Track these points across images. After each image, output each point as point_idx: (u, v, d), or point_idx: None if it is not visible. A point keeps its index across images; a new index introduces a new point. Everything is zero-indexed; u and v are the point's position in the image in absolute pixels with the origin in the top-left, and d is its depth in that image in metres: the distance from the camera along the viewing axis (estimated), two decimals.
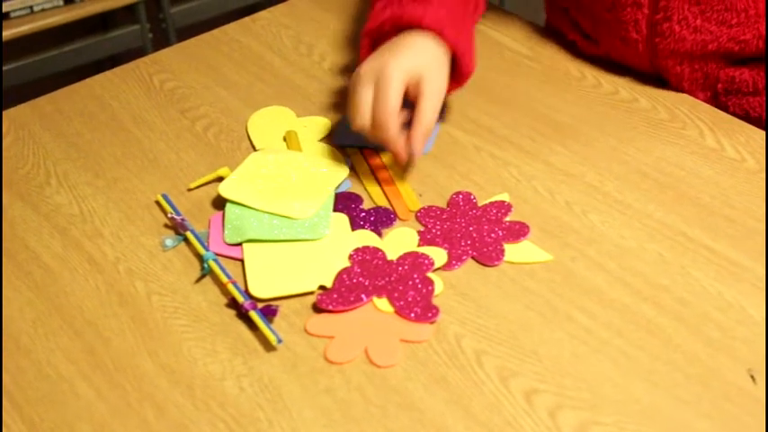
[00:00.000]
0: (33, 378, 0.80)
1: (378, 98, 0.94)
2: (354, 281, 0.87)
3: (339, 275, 0.88)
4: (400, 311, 0.84)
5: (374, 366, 0.80)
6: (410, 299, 0.85)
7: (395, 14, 0.99)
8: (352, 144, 1.05)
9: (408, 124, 0.96)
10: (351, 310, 0.85)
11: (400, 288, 0.86)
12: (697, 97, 1.12)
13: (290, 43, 1.25)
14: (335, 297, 0.85)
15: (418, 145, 0.95)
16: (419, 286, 0.86)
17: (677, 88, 1.12)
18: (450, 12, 1.00)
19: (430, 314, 0.84)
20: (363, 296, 0.85)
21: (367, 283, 0.87)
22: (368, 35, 1.03)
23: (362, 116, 0.95)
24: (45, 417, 0.77)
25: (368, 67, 0.95)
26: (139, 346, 0.83)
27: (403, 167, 1.00)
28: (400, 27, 1.00)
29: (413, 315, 0.84)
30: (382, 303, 0.85)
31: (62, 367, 0.81)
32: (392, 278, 0.87)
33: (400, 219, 0.95)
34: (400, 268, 0.88)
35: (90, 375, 0.80)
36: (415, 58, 0.96)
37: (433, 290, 0.86)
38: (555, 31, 1.23)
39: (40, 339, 0.84)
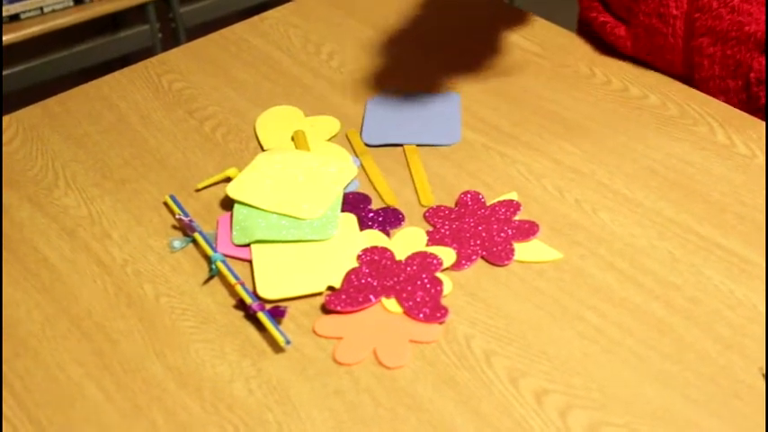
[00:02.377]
0: (41, 380, 0.80)
1: None
2: (363, 281, 0.87)
3: (347, 276, 0.87)
4: (409, 312, 0.84)
5: (383, 367, 0.80)
6: (419, 299, 0.85)
7: None
8: (381, 143, 1.05)
9: None
10: (359, 310, 0.85)
11: (409, 288, 0.86)
12: (728, 86, 1.10)
13: (299, 42, 1.25)
14: (344, 298, 0.85)
15: None
16: (428, 286, 0.86)
17: (707, 76, 1.11)
18: None
19: (439, 314, 0.83)
20: (372, 297, 0.85)
21: (375, 284, 0.86)
22: None
23: None
24: (53, 419, 0.77)
25: None
26: (147, 348, 0.83)
27: None
28: None
29: (421, 315, 0.83)
30: (391, 304, 0.85)
31: (70, 370, 0.81)
32: (401, 278, 0.87)
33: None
34: (409, 268, 0.88)
35: (98, 378, 0.80)
36: None
37: (441, 290, 0.86)
38: (585, 20, 1.22)
39: (48, 342, 0.84)
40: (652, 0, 1.09)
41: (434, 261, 0.88)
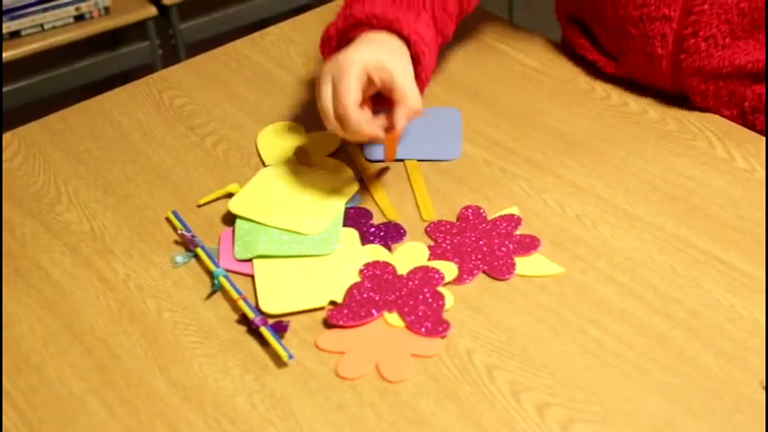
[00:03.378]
0: (44, 396, 0.81)
1: (336, 91, 0.90)
2: (365, 296, 0.87)
3: (349, 290, 0.88)
4: (411, 326, 0.84)
5: (385, 382, 0.80)
6: (421, 313, 0.85)
7: (369, 14, 0.96)
8: (382, 158, 1.05)
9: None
10: (361, 325, 0.85)
11: (411, 303, 0.86)
12: (722, 115, 1.11)
13: (299, 59, 1.25)
14: (346, 312, 0.85)
15: (401, 122, 0.91)
16: (429, 301, 0.86)
17: (701, 107, 1.11)
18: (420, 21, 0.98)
19: (441, 329, 0.84)
20: (374, 311, 0.85)
21: (377, 298, 0.87)
22: (334, 37, 0.99)
23: (327, 116, 0.92)
24: None
25: (327, 65, 0.93)
26: (150, 363, 0.83)
27: (386, 148, 0.98)
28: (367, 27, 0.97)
29: (423, 330, 0.84)
30: (393, 318, 0.85)
31: (73, 385, 0.81)
32: (402, 293, 0.87)
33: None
34: (410, 283, 0.88)
35: (101, 393, 0.80)
36: (376, 49, 0.93)
37: (443, 304, 0.86)
38: (573, 52, 1.22)
39: (51, 357, 0.84)
40: (639, 38, 1.09)
41: (436, 275, 0.89)
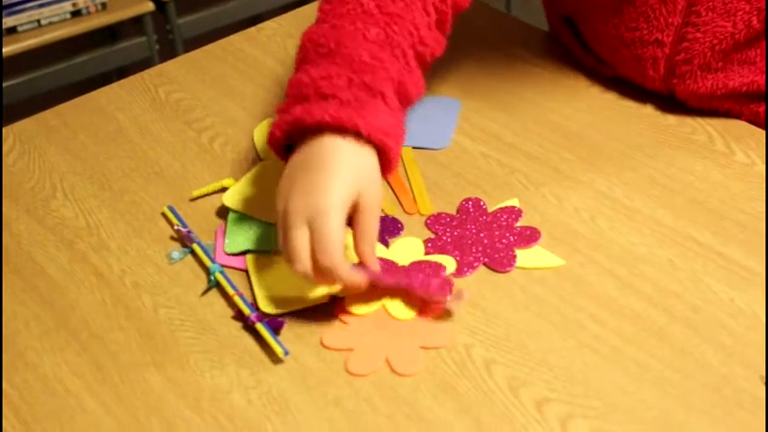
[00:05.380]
0: (40, 393, 0.80)
1: (319, 243, 0.79)
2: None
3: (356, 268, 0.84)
4: (421, 286, 0.84)
5: (383, 376, 0.79)
6: (427, 275, 0.87)
7: (325, 118, 0.83)
8: None
9: None
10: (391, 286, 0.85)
11: (415, 275, 0.87)
12: None
13: (296, 53, 1.24)
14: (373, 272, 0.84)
15: (374, 263, 0.84)
16: (430, 270, 0.88)
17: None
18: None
19: (447, 287, 0.84)
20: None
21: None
22: (281, 140, 0.88)
23: (303, 263, 0.80)
24: None
25: (297, 206, 0.80)
26: (146, 359, 0.82)
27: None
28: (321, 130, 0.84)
29: (432, 286, 0.84)
30: (398, 311, 0.84)
31: (69, 382, 0.81)
32: (404, 276, 0.88)
33: (406, 212, 0.96)
34: (411, 272, 0.88)
35: (97, 390, 0.80)
36: (349, 180, 0.81)
37: (445, 269, 0.88)
38: (574, 59, 1.21)
39: (47, 354, 0.83)
40: (631, 59, 1.08)
41: (436, 267, 0.89)
